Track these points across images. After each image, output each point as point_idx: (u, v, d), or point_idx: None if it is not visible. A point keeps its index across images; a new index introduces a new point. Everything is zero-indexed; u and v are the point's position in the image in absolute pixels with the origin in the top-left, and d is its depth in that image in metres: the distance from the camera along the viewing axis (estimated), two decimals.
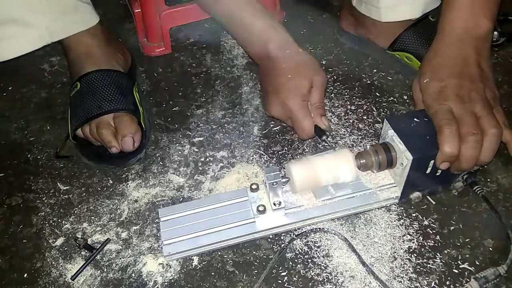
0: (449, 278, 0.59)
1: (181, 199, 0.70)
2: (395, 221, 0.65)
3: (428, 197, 0.67)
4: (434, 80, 0.62)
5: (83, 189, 0.72)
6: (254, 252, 0.63)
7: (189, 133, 0.80)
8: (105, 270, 0.62)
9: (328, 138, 0.69)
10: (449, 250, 0.62)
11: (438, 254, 0.61)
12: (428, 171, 0.62)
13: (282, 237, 0.64)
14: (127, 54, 0.86)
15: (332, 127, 0.77)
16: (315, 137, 0.71)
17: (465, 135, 0.56)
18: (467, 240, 0.63)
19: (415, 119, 0.63)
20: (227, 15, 0.74)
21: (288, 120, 0.71)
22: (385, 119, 0.64)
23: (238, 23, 0.73)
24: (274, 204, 0.62)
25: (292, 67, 0.69)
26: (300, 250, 0.63)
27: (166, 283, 0.61)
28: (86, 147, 0.75)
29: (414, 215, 0.66)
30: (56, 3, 0.73)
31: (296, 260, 0.62)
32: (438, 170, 0.62)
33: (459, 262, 0.61)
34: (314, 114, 0.69)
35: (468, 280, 0.58)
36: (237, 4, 0.72)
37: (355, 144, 0.75)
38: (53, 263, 0.64)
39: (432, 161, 0.60)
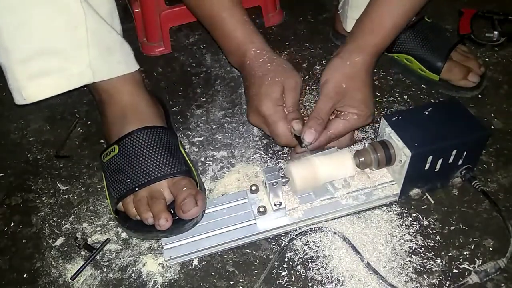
0: (449, 278, 0.59)
1: None
2: (395, 221, 0.65)
3: (427, 194, 0.67)
4: None
5: (83, 189, 0.72)
6: (254, 252, 0.63)
7: (189, 133, 0.80)
8: (105, 270, 0.62)
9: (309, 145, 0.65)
10: (449, 250, 0.62)
11: (438, 254, 0.61)
12: (427, 167, 0.62)
13: (282, 237, 0.64)
14: (162, 102, 0.79)
15: None
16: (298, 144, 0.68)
17: None
18: (467, 240, 0.63)
19: (412, 116, 0.64)
20: (211, 21, 0.72)
21: (265, 126, 0.69)
22: (382, 117, 0.64)
23: (221, 33, 0.72)
24: (275, 204, 0.62)
25: (264, 74, 0.68)
26: (300, 250, 0.63)
27: (166, 283, 0.60)
28: (132, 220, 0.63)
29: (414, 215, 0.66)
30: (104, 37, 0.66)
31: (296, 260, 0.62)
32: (437, 166, 0.62)
33: (459, 262, 0.61)
34: (288, 118, 0.67)
35: None
36: (218, 11, 0.70)
37: (355, 144, 0.75)
38: (53, 263, 0.64)
39: (431, 157, 0.61)
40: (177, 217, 0.61)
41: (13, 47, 0.60)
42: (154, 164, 0.63)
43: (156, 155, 0.63)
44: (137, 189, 0.61)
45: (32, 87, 0.63)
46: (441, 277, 0.59)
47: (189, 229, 0.62)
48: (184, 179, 0.63)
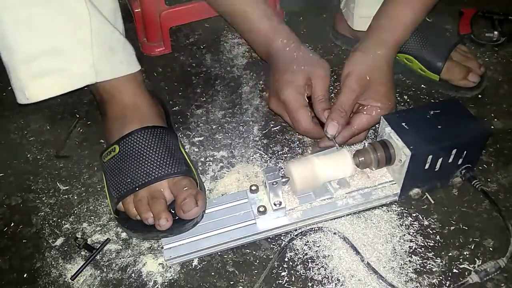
0: (449, 278, 0.59)
1: None
2: (395, 221, 0.65)
3: (427, 194, 0.67)
4: None
5: (83, 189, 0.72)
6: (254, 252, 0.63)
7: (189, 133, 0.80)
8: (105, 270, 0.62)
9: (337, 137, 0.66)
10: (449, 250, 0.62)
11: (438, 254, 0.61)
12: (427, 166, 0.62)
13: (282, 237, 0.64)
14: (163, 102, 0.79)
15: None
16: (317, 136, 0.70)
17: None
18: (467, 240, 0.63)
19: (412, 116, 0.64)
20: (234, 16, 0.75)
21: (284, 113, 0.70)
22: (381, 117, 0.64)
23: (245, 24, 0.73)
24: (275, 204, 0.62)
25: (290, 62, 0.69)
26: (300, 250, 0.63)
27: (166, 283, 0.60)
28: (132, 220, 0.63)
29: (414, 215, 0.66)
30: (107, 38, 0.66)
31: (296, 260, 0.62)
32: (437, 166, 0.62)
33: (459, 262, 0.61)
34: (317, 108, 0.68)
35: None
36: (241, 5, 0.72)
37: (356, 144, 0.75)
38: (53, 263, 0.64)
39: (431, 156, 0.61)
40: (177, 217, 0.61)
41: (16, 47, 0.60)
42: (155, 164, 0.62)
43: (156, 155, 0.63)
44: (137, 189, 0.61)
45: (35, 86, 0.63)
46: (441, 277, 0.59)
47: (189, 229, 0.62)
48: (184, 179, 0.63)
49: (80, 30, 0.62)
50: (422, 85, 0.85)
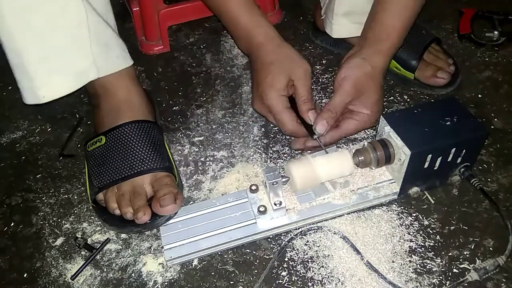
0: (449, 278, 0.59)
1: None
2: (395, 221, 0.65)
3: (427, 193, 0.67)
4: None
5: (83, 189, 0.72)
6: (254, 252, 0.63)
7: (189, 132, 0.80)
8: (105, 270, 0.62)
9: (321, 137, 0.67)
10: (449, 250, 0.62)
11: (438, 254, 0.61)
12: (426, 165, 0.62)
13: (282, 237, 0.64)
14: (150, 98, 0.79)
15: None
16: (307, 135, 0.69)
17: None
18: (467, 240, 0.63)
19: (411, 115, 0.64)
20: (216, 8, 0.75)
21: (269, 115, 0.71)
22: (381, 116, 0.64)
23: (228, 18, 0.73)
24: (275, 204, 0.62)
25: (272, 61, 0.69)
26: (300, 250, 0.63)
27: (166, 283, 0.60)
28: (108, 211, 0.64)
29: (414, 215, 0.66)
30: (102, 34, 0.68)
31: (296, 260, 0.62)
32: (436, 164, 0.63)
33: (459, 262, 0.61)
34: (302, 109, 0.68)
35: None
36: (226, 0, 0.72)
37: (356, 143, 0.75)
38: (53, 263, 0.64)
39: (430, 155, 0.61)
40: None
41: (25, 48, 0.62)
42: (139, 158, 0.64)
43: (142, 149, 0.65)
44: (120, 181, 0.63)
45: (48, 86, 0.65)
46: (441, 277, 0.59)
47: (162, 224, 0.63)
48: (167, 176, 0.64)
49: (79, 29, 0.64)
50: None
